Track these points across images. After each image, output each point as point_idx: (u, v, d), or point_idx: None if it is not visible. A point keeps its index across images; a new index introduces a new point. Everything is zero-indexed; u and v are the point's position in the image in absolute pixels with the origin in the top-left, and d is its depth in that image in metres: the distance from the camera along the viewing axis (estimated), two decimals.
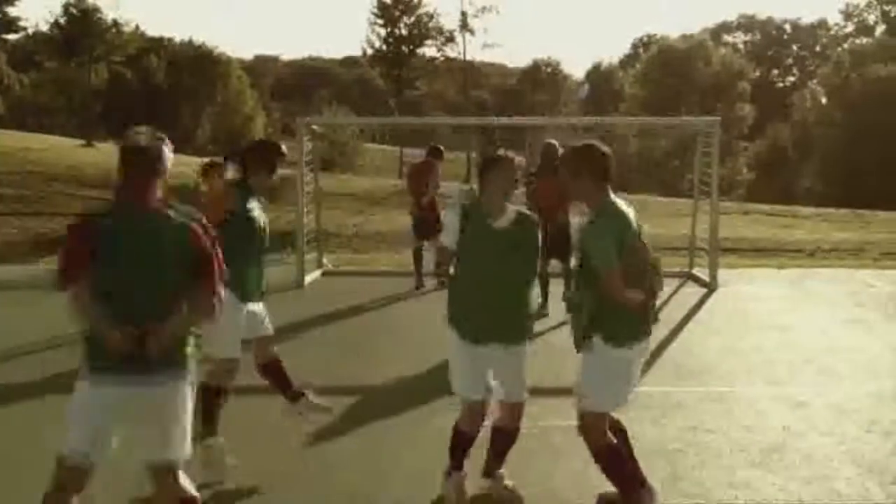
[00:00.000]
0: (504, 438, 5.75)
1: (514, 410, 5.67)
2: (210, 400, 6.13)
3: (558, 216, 10.99)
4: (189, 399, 4.40)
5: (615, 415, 5.51)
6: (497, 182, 5.45)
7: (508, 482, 5.80)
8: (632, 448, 5.56)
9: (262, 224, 6.27)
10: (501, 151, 5.61)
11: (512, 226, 5.49)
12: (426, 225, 13.61)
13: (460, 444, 5.68)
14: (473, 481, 5.75)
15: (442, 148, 14.69)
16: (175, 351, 4.28)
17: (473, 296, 5.49)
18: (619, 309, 5.05)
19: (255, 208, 6.24)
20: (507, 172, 5.46)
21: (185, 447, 4.43)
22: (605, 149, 5.23)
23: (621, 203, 5.26)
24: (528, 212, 5.69)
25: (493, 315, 5.43)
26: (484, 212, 5.48)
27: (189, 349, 4.37)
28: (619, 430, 5.50)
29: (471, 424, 5.65)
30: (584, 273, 5.19)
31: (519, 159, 5.58)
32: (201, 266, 4.30)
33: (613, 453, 5.28)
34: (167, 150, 4.33)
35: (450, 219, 5.57)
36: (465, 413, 5.66)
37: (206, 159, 10.18)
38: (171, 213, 4.29)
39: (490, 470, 5.79)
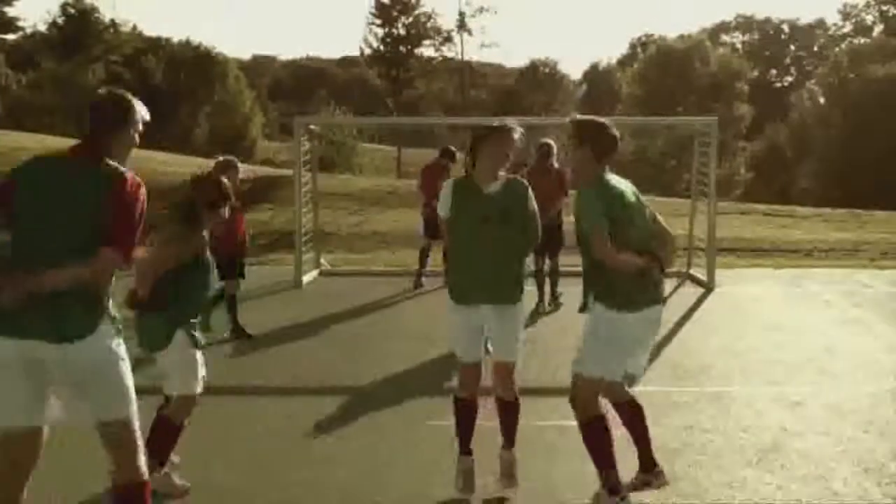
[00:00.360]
0: (506, 411, 5.81)
1: (503, 372, 5.73)
2: (167, 432, 5.71)
3: (549, 212, 11.02)
4: (121, 352, 4.15)
5: (633, 394, 5.62)
6: (488, 153, 5.55)
7: (515, 470, 5.84)
8: (646, 427, 5.58)
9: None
10: (496, 123, 5.69)
11: (502, 190, 5.59)
12: (437, 226, 13.71)
13: (461, 416, 5.81)
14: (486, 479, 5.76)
15: (455, 150, 14.73)
16: (83, 311, 4.02)
17: (466, 259, 5.65)
18: (614, 274, 5.11)
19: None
20: (498, 145, 5.55)
21: (129, 405, 4.17)
22: (615, 131, 5.31)
23: (615, 178, 5.33)
24: (518, 177, 5.79)
25: (485, 276, 5.56)
26: (475, 181, 5.62)
27: (105, 302, 4.11)
28: (635, 407, 5.57)
29: (465, 388, 5.79)
30: (582, 240, 5.27)
31: (518, 132, 5.61)
32: (114, 221, 4.02)
33: (597, 426, 5.27)
34: (135, 107, 4.31)
35: (444, 190, 5.76)
36: (459, 377, 5.81)
37: (222, 157, 10.31)
38: (108, 165, 4.10)
39: (502, 449, 5.87)
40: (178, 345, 5.54)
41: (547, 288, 12.07)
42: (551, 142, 12.15)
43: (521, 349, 5.77)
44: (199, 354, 5.66)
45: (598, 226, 5.04)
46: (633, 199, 5.34)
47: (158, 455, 5.58)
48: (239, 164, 10.57)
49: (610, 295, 5.18)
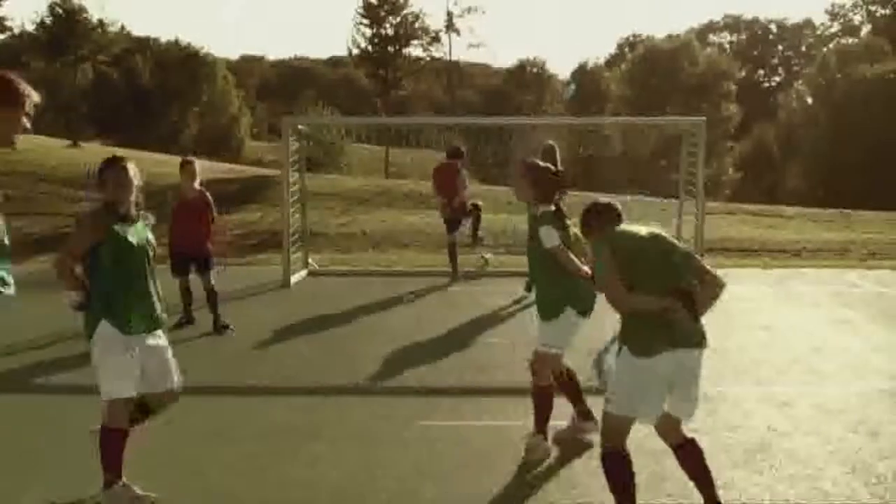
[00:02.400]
0: (564, 388, 6.90)
1: (535, 359, 6.68)
2: (117, 442, 5.45)
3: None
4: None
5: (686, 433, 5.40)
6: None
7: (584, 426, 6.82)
8: (703, 469, 5.31)
9: (138, 244, 5.59)
10: (531, 160, 6.86)
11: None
12: (457, 224, 14.80)
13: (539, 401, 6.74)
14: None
15: (462, 147, 15.12)
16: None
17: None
18: (635, 317, 5.04)
19: (128, 230, 5.59)
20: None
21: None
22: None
23: (637, 228, 5.32)
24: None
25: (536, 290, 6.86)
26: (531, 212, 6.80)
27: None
28: (688, 450, 5.36)
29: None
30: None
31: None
32: None
33: (612, 460, 5.18)
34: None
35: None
36: None
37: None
38: None
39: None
40: (104, 338, 5.36)
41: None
42: (553, 143, 12.20)
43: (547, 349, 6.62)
44: (136, 352, 5.42)
45: (603, 278, 5.13)
46: (644, 244, 5.19)
47: (115, 469, 5.41)
48: (196, 166, 10.79)
49: (629, 336, 5.08)
